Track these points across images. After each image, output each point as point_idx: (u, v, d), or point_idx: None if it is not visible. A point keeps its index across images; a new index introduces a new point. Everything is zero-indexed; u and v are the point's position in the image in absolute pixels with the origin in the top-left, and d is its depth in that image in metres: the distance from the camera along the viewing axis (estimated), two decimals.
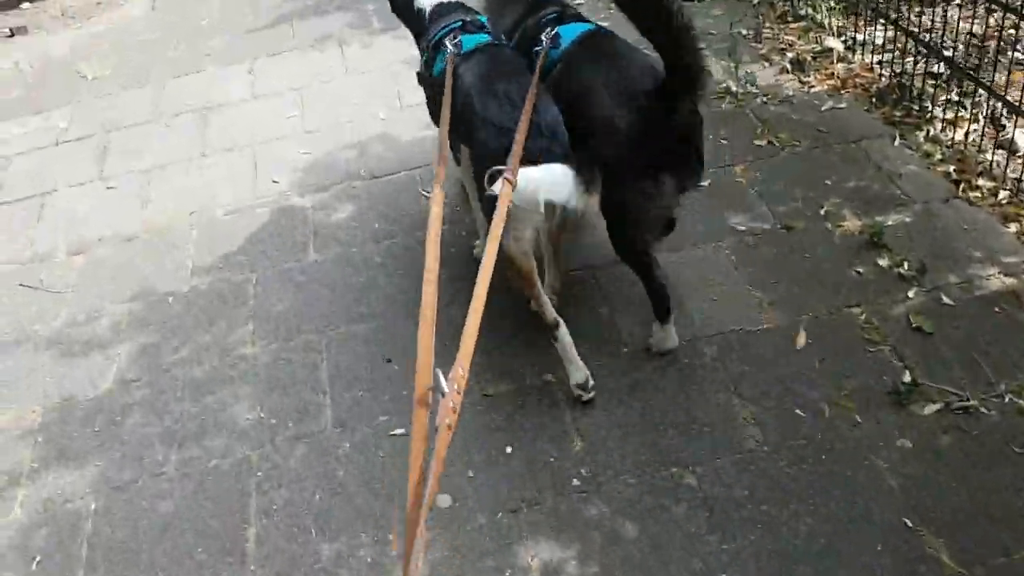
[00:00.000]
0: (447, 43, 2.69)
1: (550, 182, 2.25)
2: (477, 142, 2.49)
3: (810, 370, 2.63)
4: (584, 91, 2.53)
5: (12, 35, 5.91)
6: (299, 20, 5.30)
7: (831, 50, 4.12)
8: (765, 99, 3.90)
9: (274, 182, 3.92)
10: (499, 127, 2.39)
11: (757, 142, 3.64)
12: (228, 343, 3.10)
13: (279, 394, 2.86)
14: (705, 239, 3.19)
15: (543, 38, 2.71)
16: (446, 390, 1.53)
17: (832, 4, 4.33)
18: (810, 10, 4.40)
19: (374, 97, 4.35)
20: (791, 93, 3.92)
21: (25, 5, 6.36)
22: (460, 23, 2.80)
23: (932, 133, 3.53)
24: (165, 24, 5.66)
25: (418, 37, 3.06)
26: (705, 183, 3.12)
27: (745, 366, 2.67)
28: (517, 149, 2.22)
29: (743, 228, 3.21)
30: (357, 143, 4.07)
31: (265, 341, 3.08)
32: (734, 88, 3.96)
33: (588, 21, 2.83)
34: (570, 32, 2.71)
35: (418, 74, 3.05)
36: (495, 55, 2.66)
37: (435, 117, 2.89)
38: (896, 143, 3.52)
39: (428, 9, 2.96)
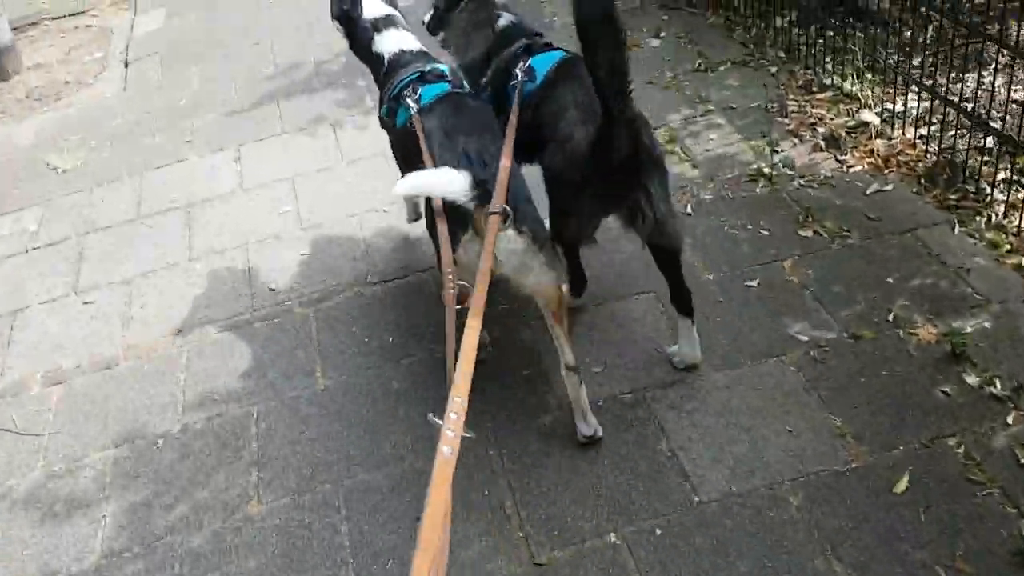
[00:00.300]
0: (407, 99, 2.72)
1: (441, 180, 2.28)
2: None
3: (915, 523, 2.28)
4: (554, 112, 2.62)
5: None
6: (286, 99, 4.96)
7: (867, 124, 3.84)
8: (802, 181, 3.60)
9: (271, 290, 3.55)
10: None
11: (802, 232, 3.33)
12: (230, 499, 2.71)
13: (294, 571, 2.46)
14: (765, 352, 2.85)
15: (517, 72, 2.75)
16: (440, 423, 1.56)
17: (860, 72, 4.07)
18: (837, 79, 4.14)
19: (374, 187, 4.00)
20: (829, 174, 3.62)
21: None
22: (418, 74, 2.82)
23: (994, 219, 3.24)
24: (140, 105, 5.29)
25: (377, 79, 3.10)
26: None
27: (839, 520, 2.32)
28: (503, 176, 2.28)
29: (805, 338, 2.88)
30: (361, 240, 3.72)
31: (273, 496, 2.69)
32: (766, 170, 3.67)
33: (557, 49, 2.87)
34: (543, 63, 2.76)
35: (380, 118, 3.10)
36: (456, 107, 2.68)
37: (400, 164, 3.04)
38: (956, 231, 3.22)
39: (387, 56, 2.99)
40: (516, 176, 2.44)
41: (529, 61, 2.77)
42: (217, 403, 3.07)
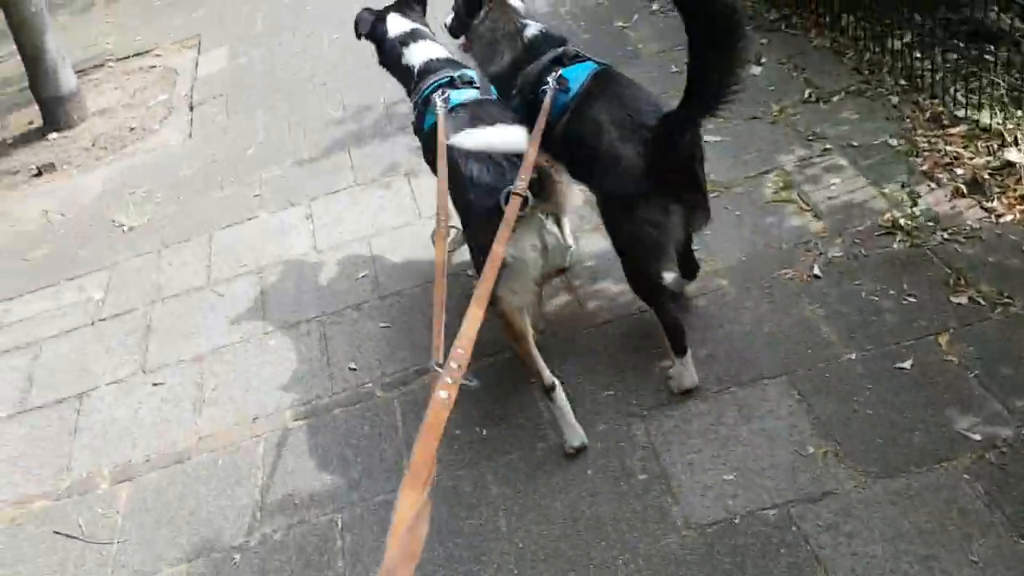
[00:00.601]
0: (436, 99, 2.79)
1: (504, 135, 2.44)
2: (464, 202, 2.58)
3: None
4: (592, 130, 2.59)
5: (39, 174, 5.37)
6: (356, 146, 4.67)
7: (1013, 165, 3.37)
8: (945, 235, 3.15)
9: (351, 369, 3.25)
10: (484, 187, 2.47)
11: (955, 299, 2.89)
12: None
13: None
14: (930, 455, 2.43)
15: (549, 81, 2.71)
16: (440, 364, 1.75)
17: (999, 102, 3.59)
18: (971, 111, 3.66)
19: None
20: (976, 225, 3.17)
21: (52, 136, 5.83)
22: (448, 79, 2.88)
23: None
24: (205, 154, 5.07)
25: (409, 91, 3.15)
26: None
27: None
28: (528, 163, 2.34)
29: (978, 437, 2.45)
30: None
31: None
32: (903, 221, 3.23)
33: (588, 60, 2.80)
34: (576, 74, 2.72)
35: (412, 124, 3.16)
36: (484, 108, 2.75)
37: (432, 168, 2.96)
38: None
39: (417, 66, 3.06)
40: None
41: (560, 72, 2.72)
42: (298, 508, 2.77)
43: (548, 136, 2.57)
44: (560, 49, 2.85)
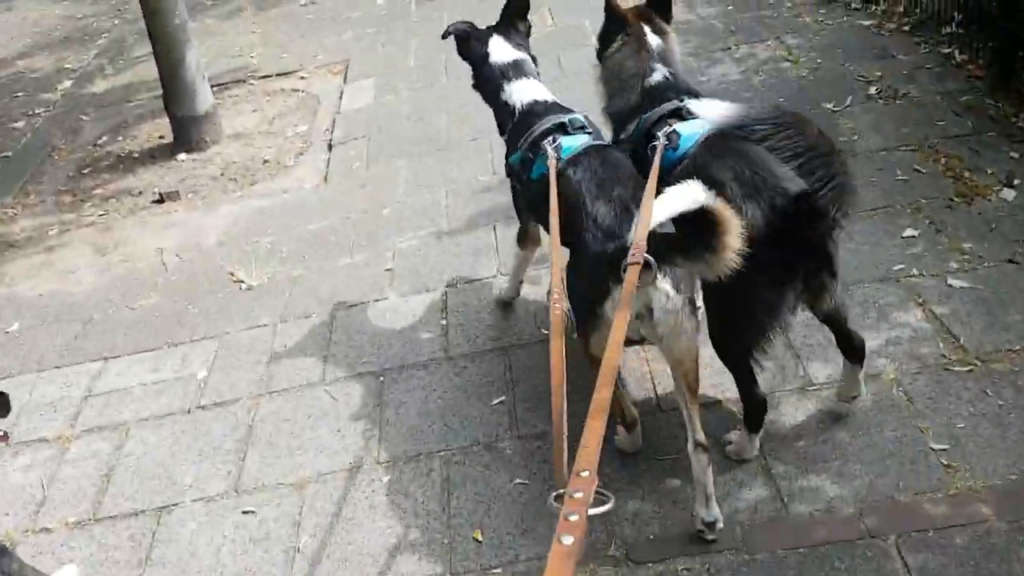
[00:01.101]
0: (547, 147, 2.65)
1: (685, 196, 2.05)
2: (583, 244, 2.40)
3: None
4: (711, 184, 2.21)
5: (162, 201, 5.00)
6: (504, 223, 4.03)
7: None
8: None
9: (476, 540, 2.61)
10: (608, 231, 2.33)
11: None
12: None
13: None
14: None
15: (660, 136, 2.51)
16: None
17: None
18: None
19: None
20: None
21: (182, 157, 5.47)
22: (559, 123, 2.74)
23: None
24: (340, 208, 4.56)
25: (503, 127, 3.03)
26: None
27: None
28: (644, 222, 2.03)
29: None
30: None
31: None
32: None
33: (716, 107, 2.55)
34: (689, 133, 2.51)
35: (507, 165, 2.98)
36: (602, 159, 2.59)
37: (521, 212, 3.14)
38: None
39: (519, 107, 2.91)
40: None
41: (674, 127, 2.53)
42: None
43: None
44: (679, 102, 2.63)
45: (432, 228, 4.16)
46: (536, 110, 2.87)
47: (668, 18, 2.96)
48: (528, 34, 3.17)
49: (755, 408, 2.55)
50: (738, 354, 2.49)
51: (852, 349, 2.62)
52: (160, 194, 5.03)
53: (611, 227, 2.33)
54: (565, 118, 2.76)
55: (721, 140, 2.46)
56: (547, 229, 2.55)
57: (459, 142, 4.90)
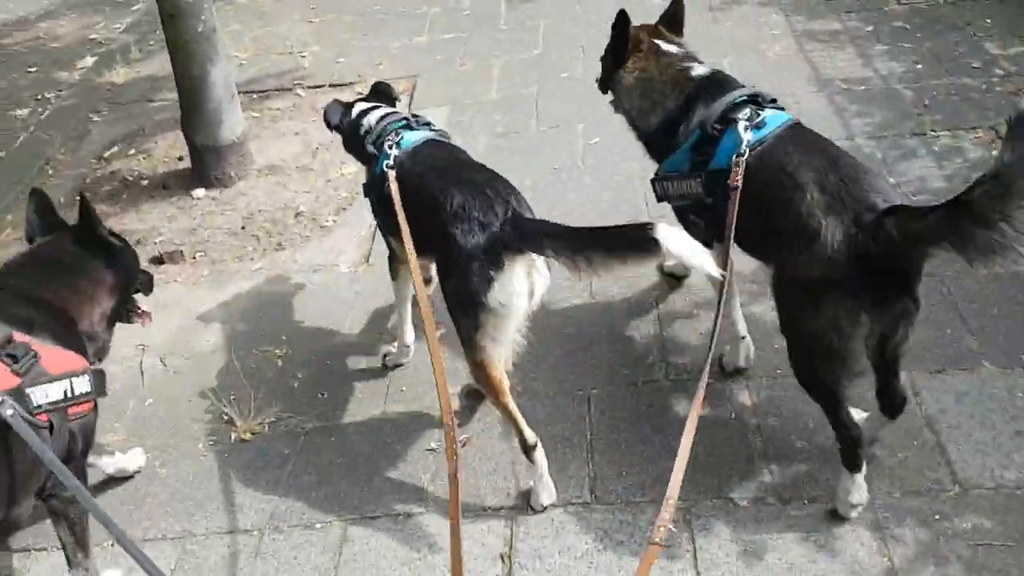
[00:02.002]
0: (385, 144, 2.66)
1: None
2: (452, 242, 2.28)
3: None
4: (784, 188, 2.16)
5: (160, 261, 3.88)
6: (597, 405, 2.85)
7: None
8: None
9: None
10: (477, 221, 2.26)
11: None
12: None
13: None
14: None
15: (739, 120, 2.33)
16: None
17: None
18: None
19: None
20: None
21: (198, 193, 4.35)
22: (404, 121, 2.77)
23: None
24: (379, 315, 3.39)
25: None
26: None
27: None
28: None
29: None
30: None
31: None
32: None
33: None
34: (773, 121, 2.33)
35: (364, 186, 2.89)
36: (444, 148, 2.68)
37: (384, 233, 2.97)
38: None
39: (368, 125, 2.86)
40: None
41: (763, 113, 2.34)
42: None
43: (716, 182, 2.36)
44: (753, 89, 2.48)
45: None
46: (385, 121, 2.81)
47: (681, 36, 2.82)
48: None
49: (850, 446, 2.27)
50: (815, 385, 2.28)
51: (892, 404, 2.37)
52: (160, 254, 3.91)
53: (478, 216, 2.25)
54: (409, 117, 2.77)
55: (807, 135, 2.32)
56: (398, 239, 2.51)
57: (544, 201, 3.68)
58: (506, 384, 2.38)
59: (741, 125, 2.31)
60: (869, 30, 4.72)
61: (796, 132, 2.31)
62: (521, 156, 4.21)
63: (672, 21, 2.81)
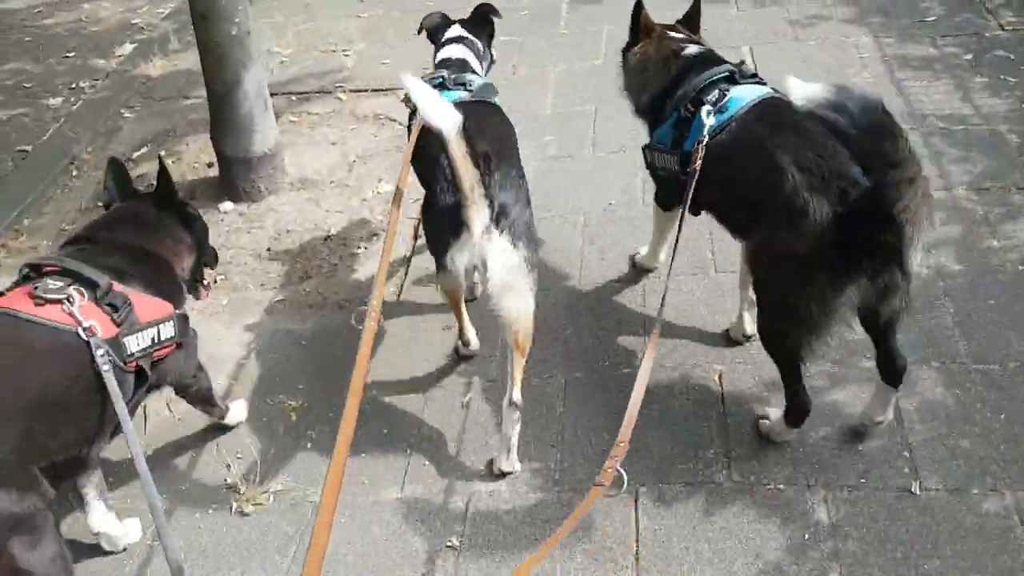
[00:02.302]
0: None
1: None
2: (433, 195, 2.52)
3: None
4: (768, 167, 2.19)
5: None
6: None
7: None
8: None
9: None
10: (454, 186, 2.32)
11: None
12: None
13: None
14: None
15: (708, 99, 2.43)
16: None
17: None
18: None
19: None
20: None
21: (226, 207, 4.06)
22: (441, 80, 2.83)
23: None
24: (407, 369, 3.06)
25: None
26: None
27: None
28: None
29: None
30: None
31: None
32: None
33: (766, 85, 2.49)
34: (746, 94, 2.41)
35: None
36: (476, 112, 2.51)
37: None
38: None
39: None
40: (514, 181, 2.42)
41: (730, 92, 2.41)
42: None
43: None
44: (733, 65, 2.56)
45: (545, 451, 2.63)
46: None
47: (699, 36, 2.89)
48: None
49: (796, 410, 2.43)
50: (786, 354, 2.35)
51: (892, 370, 2.39)
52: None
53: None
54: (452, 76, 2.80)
55: (776, 111, 2.31)
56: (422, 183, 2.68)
57: (599, 272, 3.31)
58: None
59: (704, 110, 2.41)
60: (968, 59, 4.23)
61: (767, 109, 2.34)
62: (573, 184, 3.84)
63: (689, 20, 2.91)
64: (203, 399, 2.68)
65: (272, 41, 5.48)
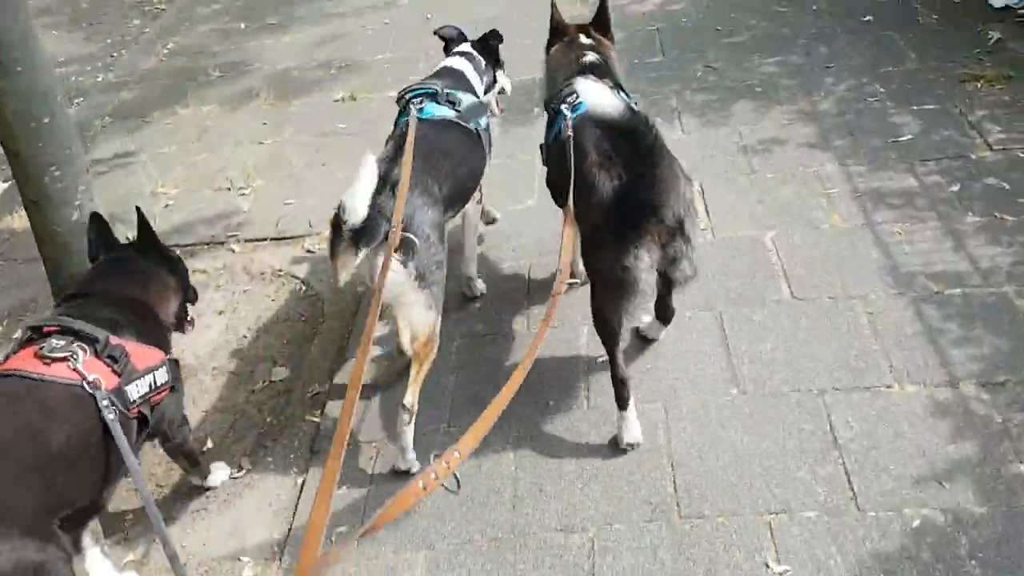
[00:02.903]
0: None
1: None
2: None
3: None
4: (576, 154, 2.65)
5: None
6: None
7: None
8: None
9: None
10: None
11: None
12: None
13: None
14: None
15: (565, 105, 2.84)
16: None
17: None
18: None
19: None
20: None
21: None
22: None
23: None
24: None
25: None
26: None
27: None
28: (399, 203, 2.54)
29: None
30: None
31: None
32: None
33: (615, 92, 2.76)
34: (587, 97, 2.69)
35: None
36: (430, 130, 2.94)
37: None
38: None
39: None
40: (420, 209, 2.64)
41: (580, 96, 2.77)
42: None
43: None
44: (613, 83, 2.94)
45: None
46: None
47: (609, 37, 3.25)
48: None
49: (618, 385, 2.71)
50: (602, 324, 2.68)
51: (665, 315, 3.03)
52: None
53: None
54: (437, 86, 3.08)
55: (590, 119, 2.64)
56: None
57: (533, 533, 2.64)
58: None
59: (564, 107, 2.82)
60: (954, 190, 3.64)
61: (587, 117, 2.67)
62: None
63: (599, 21, 3.24)
64: (189, 452, 2.77)
65: (157, 179, 4.78)
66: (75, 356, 2.20)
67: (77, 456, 2.15)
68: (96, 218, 2.77)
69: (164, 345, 2.58)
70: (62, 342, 2.24)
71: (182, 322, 2.85)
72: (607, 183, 2.49)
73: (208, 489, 2.93)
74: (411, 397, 2.72)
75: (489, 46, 3.46)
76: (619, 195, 2.46)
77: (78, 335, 2.28)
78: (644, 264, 2.46)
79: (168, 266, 2.79)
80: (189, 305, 2.93)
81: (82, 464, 2.17)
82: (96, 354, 2.26)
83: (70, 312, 2.41)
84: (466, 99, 3.08)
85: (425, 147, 2.79)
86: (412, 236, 2.58)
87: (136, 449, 2.38)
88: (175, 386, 2.54)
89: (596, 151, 2.57)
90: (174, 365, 2.54)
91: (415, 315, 2.68)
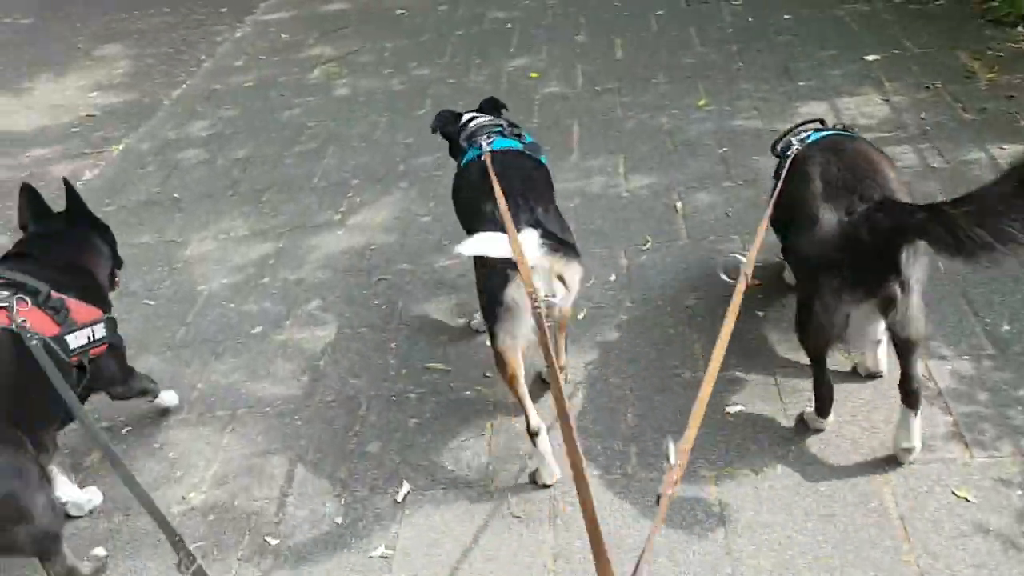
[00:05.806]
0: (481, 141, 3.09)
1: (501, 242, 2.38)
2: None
3: None
4: (802, 181, 2.55)
5: None
6: None
7: None
8: None
9: None
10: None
11: None
12: None
13: None
14: None
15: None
16: (672, 460, 1.59)
17: None
18: None
19: None
20: None
21: None
22: (496, 126, 3.19)
23: None
24: None
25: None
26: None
27: None
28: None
29: None
30: None
31: None
32: None
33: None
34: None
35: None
36: (511, 159, 2.92)
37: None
38: None
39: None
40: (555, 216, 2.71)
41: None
42: None
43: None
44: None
45: None
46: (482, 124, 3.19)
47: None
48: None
49: (820, 397, 2.60)
50: (805, 348, 2.57)
51: (906, 391, 2.42)
52: None
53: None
54: (494, 123, 3.15)
55: (835, 139, 2.71)
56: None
57: None
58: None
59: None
60: None
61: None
62: None
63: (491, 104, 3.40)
64: (140, 392, 3.04)
65: None
66: (10, 306, 2.40)
67: (26, 385, 2.35)
68: (27, 189, 2.90)
69: (103, 304, 2.76)
70: (5, 293, 2.45)
71: (112, 284, 3.04)
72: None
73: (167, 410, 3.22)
74: (564, 358, 2.93)
75: (492, 106, 3.42)
76: (849, 227, 2.36)
77: (23, 287, 2.49)
78: (843, 301, 2.43)
79: (100, 234, 2.98)
80: (117, 270, 3.10)
81: (32, 392, 2.36)
82: (39, 305, 2.47)
83: (14, 270, 2.57)
84: (526, 134, 3.12)
85: (520, 172, 2.79)
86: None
87: (82, 397, 2.58)
88: (113, 342, 2.73)
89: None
90: (111, 323, 2.72)
91: (570, 264, 2.57)
